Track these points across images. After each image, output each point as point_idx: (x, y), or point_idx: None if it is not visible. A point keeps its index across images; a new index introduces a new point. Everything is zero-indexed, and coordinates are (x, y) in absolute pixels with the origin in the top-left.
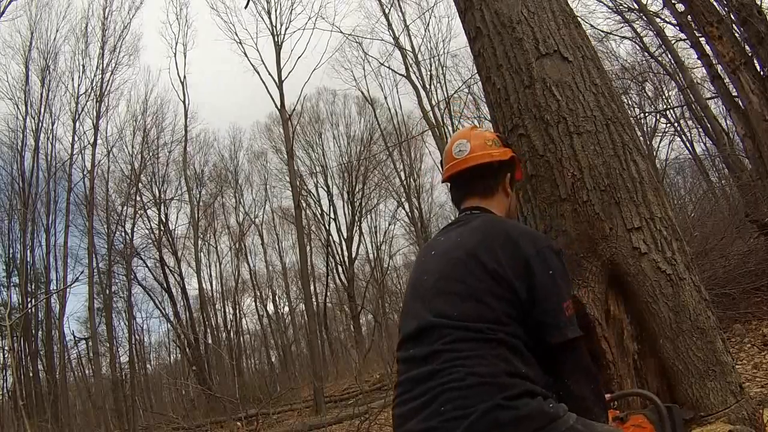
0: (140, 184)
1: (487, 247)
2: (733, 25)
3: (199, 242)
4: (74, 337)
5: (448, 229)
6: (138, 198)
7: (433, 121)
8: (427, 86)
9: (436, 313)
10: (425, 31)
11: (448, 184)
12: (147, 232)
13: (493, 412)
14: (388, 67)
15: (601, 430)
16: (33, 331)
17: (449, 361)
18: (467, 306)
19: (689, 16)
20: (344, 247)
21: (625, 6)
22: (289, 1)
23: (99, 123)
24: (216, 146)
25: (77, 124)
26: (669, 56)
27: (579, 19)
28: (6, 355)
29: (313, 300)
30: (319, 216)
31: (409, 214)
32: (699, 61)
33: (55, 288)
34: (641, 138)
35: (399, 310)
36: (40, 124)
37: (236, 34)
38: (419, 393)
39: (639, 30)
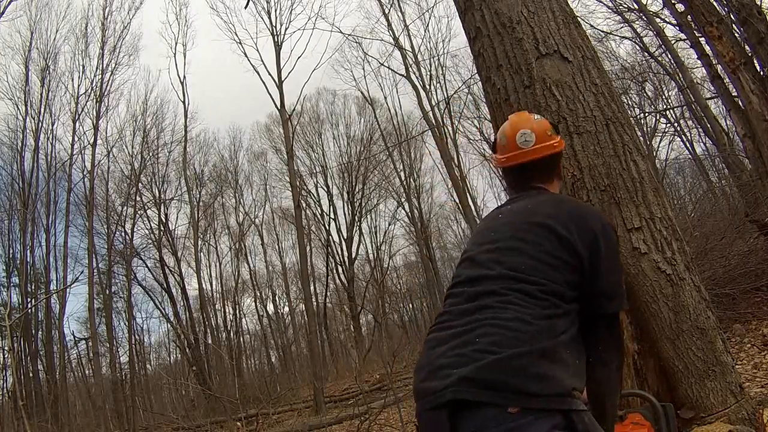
0: (140, 184)
1: (560, 217)
2: (733, 25)
3: (199, 242)
4: (74, 337)
5: (514, 201)
6: (138, 198)
7: (433, 121)
8: (427, 86)
9: (507, 267)
10: (425, 31)
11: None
12: (147, 232)
13: (523, 359)
14: (388, 67)
15: None
16: (33, 331)
17: (501, 303)
18: (537, 264)
19: (689, 16)
20: (344, 247)
21: (625, 6)
22: (289, 1)
23: (99, 123)
24: (216, 146)
25: (77, 124)
26: (669, 56)
27: (579, 19)
28: (6, 355)
29: (313, 300)
30: (319, 216)
31: (409, 214)
32: (699, 61)
33: (55, 288)
34: (641, 138)
35: (400, 309)
36: (40, 124)
37: (236, 34)
38: (461, 323)
39: (639, 30)
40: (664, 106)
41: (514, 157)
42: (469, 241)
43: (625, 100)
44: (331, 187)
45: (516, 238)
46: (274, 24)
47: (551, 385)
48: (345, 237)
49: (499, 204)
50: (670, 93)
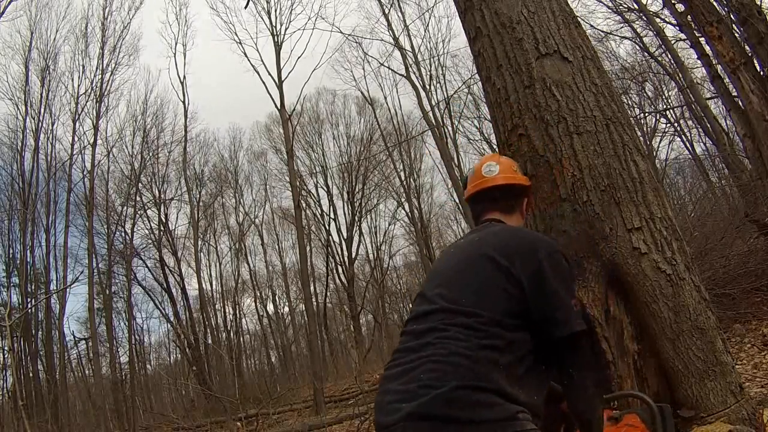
0: (140, 184)
1: (504, 247)
2: (733, 25)
3: (199, 242)
4: (74, 337)
5: (468, 235)
6: (138, 198)
7: (433, 121)
8: (427, 86)
9: (447, 299)
10: (425, 31)
11: (471, 201)
12: (147, 232)
13: (463, 391)
14: (388, 67)
15: None
16: (33, 332)
17: (441, 338)
18: (475, 296)
19: (689, 16)
20: (344, 248)
21: (625, 6)
22: (289, 1)
23: (99, 123)
24: (216, 146)
25: (77, 124)
26: (669, 56)
27: (579, 19)
28: (6, 356)
29: (313, 300)
30: (319, 216)
31: (409, 214)
32: (699, 61)
33: (55, 288)
34: (641, 138)
35: (400, 309)
36: (40, 124)
37: (236, 34)
38: (408, 360)
39: (639, 30)
40: (664, 106)
41: (478, 184)
42: (429, 271)
43: (625, 100)
44: (331, 187)
45: (458, 270)
46: (274, 24)
47: (495, 412)
48: (345, 237)
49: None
50: (670, 93)
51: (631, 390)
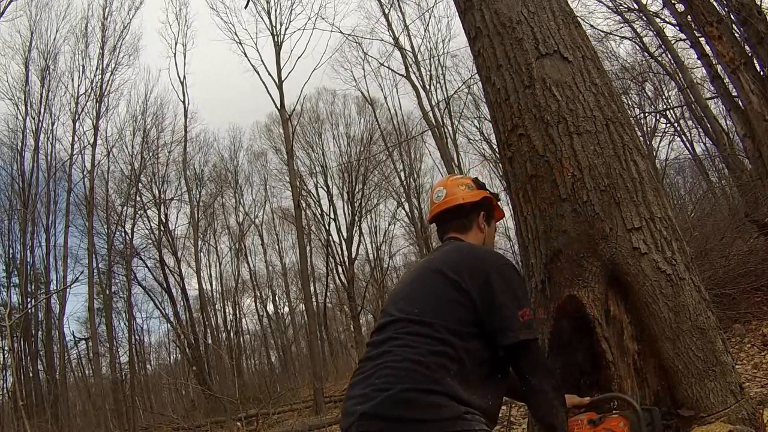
0: (140, 185)
1: (454, 263)
2: (733, 25)
3: (199, 242)
4: (74, 337)
5: (428, 254)
6: (138, 198)
7: (433, 121)
8: (427, 86)
9: (399, 310)
10: (425, 31)
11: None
12: (147, 232)
13: (412, 393)
14: (388, 68)
15: None
16: (33, 332)
17: (396, 346)
18: (426, 306)
19: (689, 16)
20: (344, 248)
21: (625, 6)
22: (289, 1)
23: (99, 123)
24: (216, 146)
25: (77, 124)
26: (669, 56)
27: (579, 19)
28: (6, 356)
29: (313, 300)
30: (319, 216)
31: (409, 214)
32: (699, 61)
33: (55, 288)
34: (641, 138)
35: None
36: (40, 125)
37: (236, 34)
38: (369, 368)
39: (639, 30)
40: (664, 106)
41: (431, 211)
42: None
43: (625, 100)
44: (331, 187)
45: (414, 285)
46: (274, 24)
47: (442, 412)
48: (345, 237)
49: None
50: (670, 93)
51: (623, 392)
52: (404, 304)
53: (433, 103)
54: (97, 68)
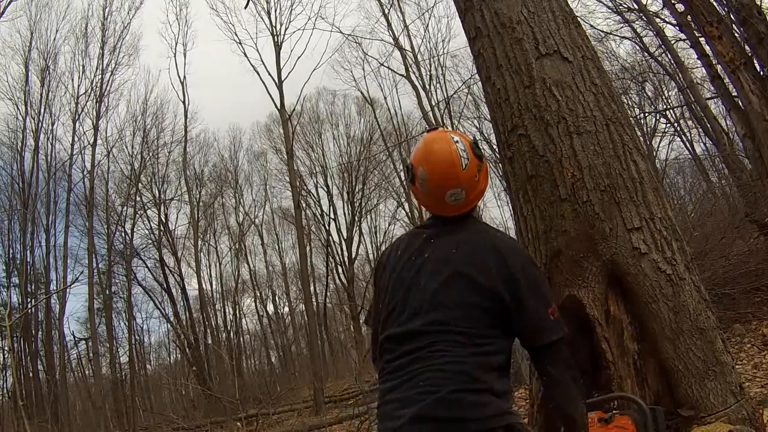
0: (140, 185)
1: (477, 262)
2: (733, 25)
3: (199, 242)
4: (74, 337)
5: (438, 233)
6: (138, 198)
7: (433, 121)
8: (427, 86)
9: (431, 322)
10: (425, 31)
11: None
12: (147, 232)
13: (458, 394)
14: (388, 68)
15: None
16: (33, 332)
17: (434, 351)
18: (458, 315)
19: (689, 16)
20: (344, 248)
21: (625, 6)
22: (289, 1)
23: (99, 123)
24: (216, 146)
25: (77, 124)
26: (669, 56)
27: (579, 19)
28: (6, 356)
29: (313, 300)
30: (318, 216)
31: (409, 214)
32: (699, 61)
33: (55, 288)
34: (641, 138)
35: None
36: (40, 125)
37: (236, 35)
38: (405, 373)
39: (639, 30)
40: (664, 106)
41: (442, 209)
42: (396, 266)
43: (625, 100)
44: (331, 187)
45: (440, 292)
46: (273, 24)
47: (488, 409)
48: (345, 237)
49: (426, 222)
50: (670, 93)
51: (624, 392)
52: (434, 314)
53: (433, 103)
54: (97, 68)
